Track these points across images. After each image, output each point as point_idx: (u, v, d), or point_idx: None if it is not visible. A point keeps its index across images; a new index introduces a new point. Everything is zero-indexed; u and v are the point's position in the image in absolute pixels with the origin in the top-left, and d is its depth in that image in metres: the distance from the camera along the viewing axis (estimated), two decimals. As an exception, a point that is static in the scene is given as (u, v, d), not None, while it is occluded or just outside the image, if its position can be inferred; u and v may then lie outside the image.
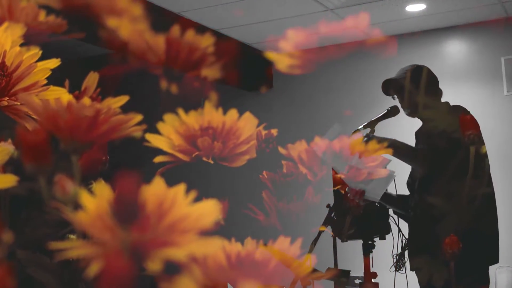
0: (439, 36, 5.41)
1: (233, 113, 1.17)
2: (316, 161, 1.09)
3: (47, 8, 1.35)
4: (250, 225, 1.07)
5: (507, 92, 5.28)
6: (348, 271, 2.35)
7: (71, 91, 1.15)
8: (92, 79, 1.16)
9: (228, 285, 0.90)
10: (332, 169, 2.15)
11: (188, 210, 0.82)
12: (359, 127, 2.63)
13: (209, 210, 0.83)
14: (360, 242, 2.65)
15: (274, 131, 1.11)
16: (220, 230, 0.87)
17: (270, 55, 1.36)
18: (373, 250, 2.62)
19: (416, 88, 2.76)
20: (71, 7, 1.49)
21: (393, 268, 2.65)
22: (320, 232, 2.31)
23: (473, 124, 1.82)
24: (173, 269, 0.82)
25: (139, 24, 1.57)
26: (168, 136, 1.15)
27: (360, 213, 2.12)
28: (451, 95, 3.23)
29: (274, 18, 4.64)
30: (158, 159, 1.10)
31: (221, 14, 4.50)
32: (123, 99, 1.14)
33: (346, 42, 1.42)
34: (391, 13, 5.00)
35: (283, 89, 5.97)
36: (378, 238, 2.64)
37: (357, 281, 2.59)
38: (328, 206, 2.42)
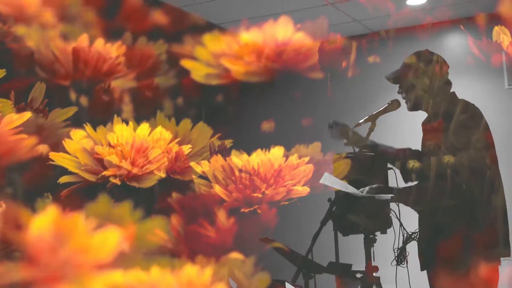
0: (440, 30, 5.42)
1: (186, 123, 1.13)
2: (271, 174, 1.06)
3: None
4: (201, 242, 1.04)
5: (508, 85, 5.29)
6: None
7: (17, 102, 1.11)
8: (39, 90, 1.11)
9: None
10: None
11: (134, 229, 0.79)
12: (360, 121, 2.58)
13: (156, 228, 0.80)
14: (361, 236, 2.65)
15: (227, 142, 1.07)
16: (170, 248, 0.84)
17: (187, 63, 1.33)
18: (374, 244, 2.62)
19: (417, 79, 2.53)
20: (23, 15, 1.44)
21: (395, 262, 2.64)
22: (321, 226, 2.30)
23: (433, 134, 1.79)
24: None
25: (93, 32, 1.53)
26: (120, 150, 1.11)
27: None
28: (452, 89, 3.20)
29: (274, 12, 4.59)
30: (64, 179, 1.04)
31: (221, 8, 4.46)
32: (71, 110, 1.10)
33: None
34: (392, 7, 4.99)
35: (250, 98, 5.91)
36: (379, 232, 2.64)
37: (358, 275, 2.59)
38: (329, 200, 2.41)
